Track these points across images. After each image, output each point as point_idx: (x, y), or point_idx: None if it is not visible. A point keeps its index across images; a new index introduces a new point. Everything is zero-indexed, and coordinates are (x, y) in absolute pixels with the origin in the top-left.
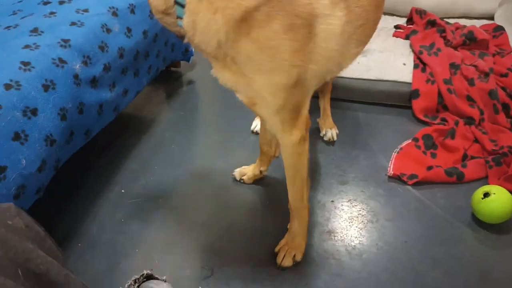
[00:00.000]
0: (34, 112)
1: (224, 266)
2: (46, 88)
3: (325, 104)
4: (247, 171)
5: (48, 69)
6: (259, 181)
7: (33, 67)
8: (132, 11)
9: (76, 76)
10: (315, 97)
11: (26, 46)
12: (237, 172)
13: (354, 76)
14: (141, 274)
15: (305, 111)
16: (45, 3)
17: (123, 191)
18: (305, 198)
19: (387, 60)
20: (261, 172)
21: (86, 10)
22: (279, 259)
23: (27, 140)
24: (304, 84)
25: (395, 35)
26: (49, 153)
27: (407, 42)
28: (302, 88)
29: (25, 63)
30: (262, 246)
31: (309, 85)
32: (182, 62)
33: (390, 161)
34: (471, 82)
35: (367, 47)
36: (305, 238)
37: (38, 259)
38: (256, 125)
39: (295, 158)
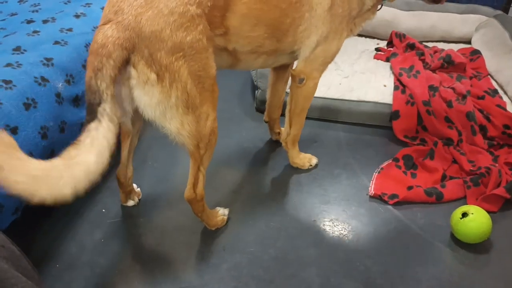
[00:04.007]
0: (14, 130)
1: (205, 287)
2: (27, 106)
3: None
4: None
5: (30, 88)
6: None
7: (14, 85)
8: None
9: (58, 95)
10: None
11: (8, 65)
12: None
13: (336, 97)
14: None
15: None
16: (29, 22)
17: (103, 210)
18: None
19: (369, 81)
20: None
21: (70, 30)
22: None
23: None
24: None
25: (376, 57)
26: None
27: (388, 64)
28: None
29: (7, 81)
30: (245, 268)
31: None
32: None
33: (371, 181)
34: (449, 104)
35: (349, 69)
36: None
37: (12, 279)
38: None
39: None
